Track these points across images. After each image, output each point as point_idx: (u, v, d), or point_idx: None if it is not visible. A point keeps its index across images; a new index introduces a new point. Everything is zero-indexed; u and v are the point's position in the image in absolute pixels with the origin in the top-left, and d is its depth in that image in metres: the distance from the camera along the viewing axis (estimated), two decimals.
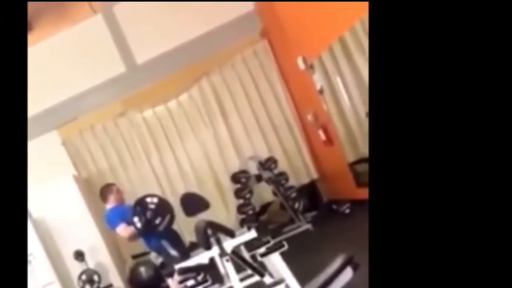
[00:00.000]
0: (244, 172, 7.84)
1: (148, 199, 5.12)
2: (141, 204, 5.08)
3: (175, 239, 5.51)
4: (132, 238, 5.47)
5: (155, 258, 5.90)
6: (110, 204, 5.82)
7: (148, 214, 5.03)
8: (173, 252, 5.30)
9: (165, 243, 5.33)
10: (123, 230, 5.45)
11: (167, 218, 5.09)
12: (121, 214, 5.52)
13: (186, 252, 5.46)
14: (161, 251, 5.44)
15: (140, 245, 6.21)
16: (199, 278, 4.28)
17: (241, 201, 7.78)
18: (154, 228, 5.05)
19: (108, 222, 5.73)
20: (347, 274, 3.98)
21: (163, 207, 5.13)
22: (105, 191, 5.93)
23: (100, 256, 7.94)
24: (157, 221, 5.03)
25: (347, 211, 7.20)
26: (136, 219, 5.03)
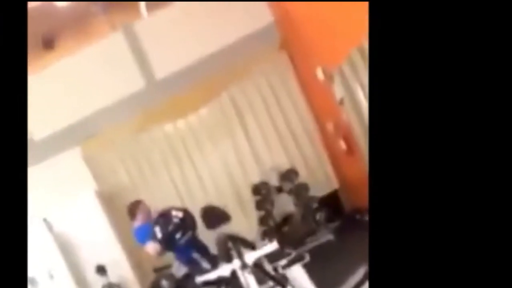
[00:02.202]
0: (264, 183, 7.83)
1: (174, 212, 5.09)
2: (165, 216, 5.06)
3: (205, 251, 5.46)
4: (160, 255, 5.44)
5: (177, 271, 5.88)
6: (138, 222, 5.82)
7: (170, 227, 5.00)
8: (205, 265, 5.24)
9: (197, 256, 5.27)
10: (151, 248, 5.37)
11: (189, 234, 5.05)
12: (150, 233, 5.51)
13: (217, 263, 5.39)
14: (191, 264, 5.37)
15: (163, 258, 6.20)
16: None
17: (262, 212, 7.77)
18: (173, 243, 5.03)
19: (137, 239, 5.70)
20: None
21: (187, 223, 5.10)
22: (134, 208, 5.92)
23: (121, 270, 7.97)
24: (178, 235, 5.00)
25: None
26: (157, 229, 5.01)
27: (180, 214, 5.08)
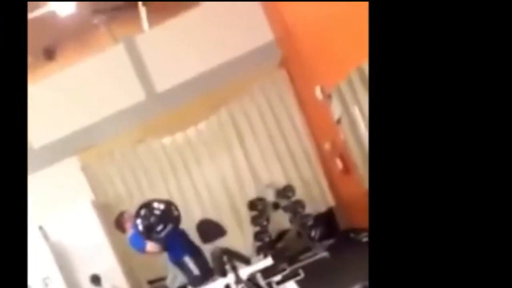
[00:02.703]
0: (261, 199, 7.87)
1: (155, 204, 5.09)
2: (147, 207, 5.06)
3: (198, 256, 5.45)
4: (161, 252, 5.43)
5: (172, 283, 5.89)
6: (129, 231, 5.83)
7: (152, 219, 4.98)
8: (195, 271, 5.24)
9: (187, 260, 5.26)
10: (152, 247, 5.35)
11: (169, 227, 5.04)
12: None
13: (208, 271, 5.38)
14: (182, 267, 5.36)
15: (157, 270, 6.21)
16: None
17: (258, 228, 7.80)
18: (155, 234, 5.00)
19: (134, 247, 5.70)
20: None
21: (169, 215, 5.08)
22: (119, 221, 5.94)
23: (116, 280, 7.96)
24: (159, 228, 4.98)
25: (365, 239, 7.16)
26: (139, 221, 5.01)
27: (162, 206, 5.08)
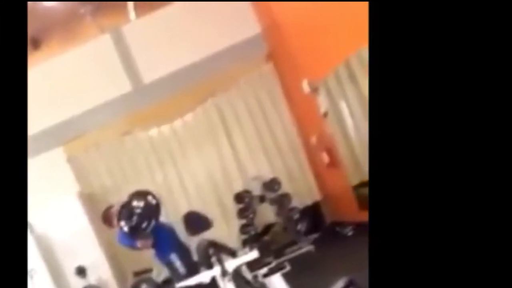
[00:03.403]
0: (247, 192, 7.88)
1: (135, 203, 5.09)
2: (127, 207, 5.06)
3: (185, 254, 5.44)
4: (152, 244, 5.43)
5: (157, 276, 5.89)
6: (117, 227, 5.80)
7: (134, 219, 5.00)
8: (181, 269, 5.25)
9: (174, 257, 5.27)
10: (143, 244, 5.33)
11: (153, 221, 5.05)
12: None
13: (194, 269, 5.38)
14: (168, 264, 5.37)
15: (142, 262, 6.18)
16: None
17: (244, 221, 7.81)
18: (141, 232, 5.01)
19: (126, 245, 5.64)
20: None
21: (149, 210, 5.09)
22: (107, 215, 5.90)
23: (101, 272, 7.96)
24: (144, 225, 4.99)
25: (350, 233, 7.21)
26: (123, 223, 5.01)
27: (141, 203, 5.08)
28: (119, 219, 5.02)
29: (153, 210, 5.08)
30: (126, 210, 5.02)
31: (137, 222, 4.95)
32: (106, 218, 5.86)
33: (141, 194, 5.25)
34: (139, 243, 5.25)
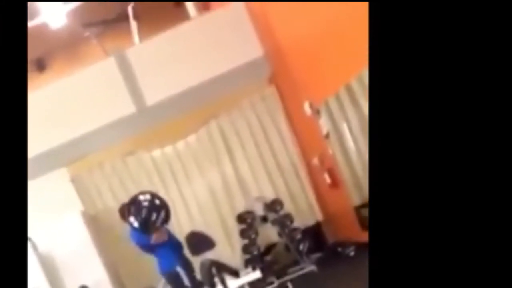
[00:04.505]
0: (249, 212, 7.92)
1: (141, 197, 5.13)
2: (135, 203, 5.09)
3: (189, 269, 5.45)
4: (167, 236, 5.41)
5: None
6: (128, 224, 5.78)
7: (144, 212, 5.02)
8: (187, 282, 5.24)
9: (180, 271, 5.26)
10: (157, 236, 5.29)
11: (163, 213, 5.08)
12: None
13: (198, 285, 5.38)
14: (173, 278, 5.34)
15: (145, 281, 6.18)
16: None
17: (246, 241, 7.84)
18: (152, 225, 5.02)
19: (139, 244, 5.58)
20: None
21: (157, 202, 5.13)
22: (124, 211, 5.88)
23: None
24: (153, 217, 5.02)
25: (352, 254, 7.24)
26: (132, 219, 5.03)
27: (148, 196, 5.13)
28: (128, 217, 5.04)
29: (161, 205, 5.13)
30: (133, 206, 5.05)
31: (146, 215, 4.98)
32: (124, 214, 5.87)
33: (145, 192, 5.31)
34: (153, 237, 5.21)
